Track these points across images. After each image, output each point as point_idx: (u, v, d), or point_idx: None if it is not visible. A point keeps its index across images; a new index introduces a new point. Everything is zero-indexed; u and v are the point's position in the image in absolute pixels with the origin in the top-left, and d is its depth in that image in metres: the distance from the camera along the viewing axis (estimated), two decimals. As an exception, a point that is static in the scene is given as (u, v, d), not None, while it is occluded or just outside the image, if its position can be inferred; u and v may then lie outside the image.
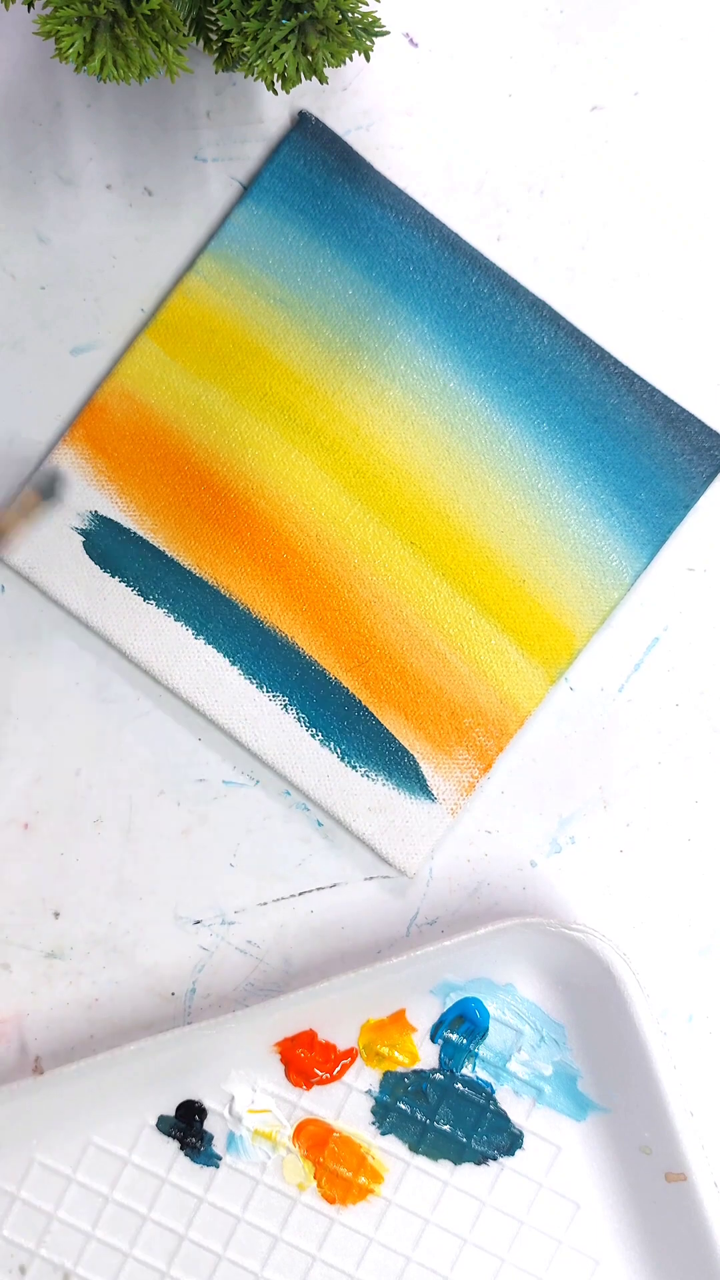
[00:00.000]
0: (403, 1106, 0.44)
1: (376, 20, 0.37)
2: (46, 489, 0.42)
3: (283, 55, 0.37)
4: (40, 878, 0.45)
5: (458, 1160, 0.44)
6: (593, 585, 0.44)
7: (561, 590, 0.44)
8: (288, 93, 0.43)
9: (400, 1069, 0.44)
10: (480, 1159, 0.44)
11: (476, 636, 0.44)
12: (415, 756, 0.44)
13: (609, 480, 0.44)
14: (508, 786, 0.45)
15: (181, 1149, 0.44)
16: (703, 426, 0.44)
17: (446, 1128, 0.44)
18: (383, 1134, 0.44)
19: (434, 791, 0.44)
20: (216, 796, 0.45)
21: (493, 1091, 0.44)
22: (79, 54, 0.37)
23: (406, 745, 0.44)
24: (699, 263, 0.44)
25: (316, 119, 0.44)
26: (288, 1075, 0.44)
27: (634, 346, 0.44)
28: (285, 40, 0.37)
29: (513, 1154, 0.44)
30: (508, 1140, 0.44)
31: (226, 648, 0.44)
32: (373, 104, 0.44)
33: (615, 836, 0.45)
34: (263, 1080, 0.44)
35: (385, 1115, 0.44)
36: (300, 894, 0.45)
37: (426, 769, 0.44)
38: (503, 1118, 0.44)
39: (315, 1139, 0.44)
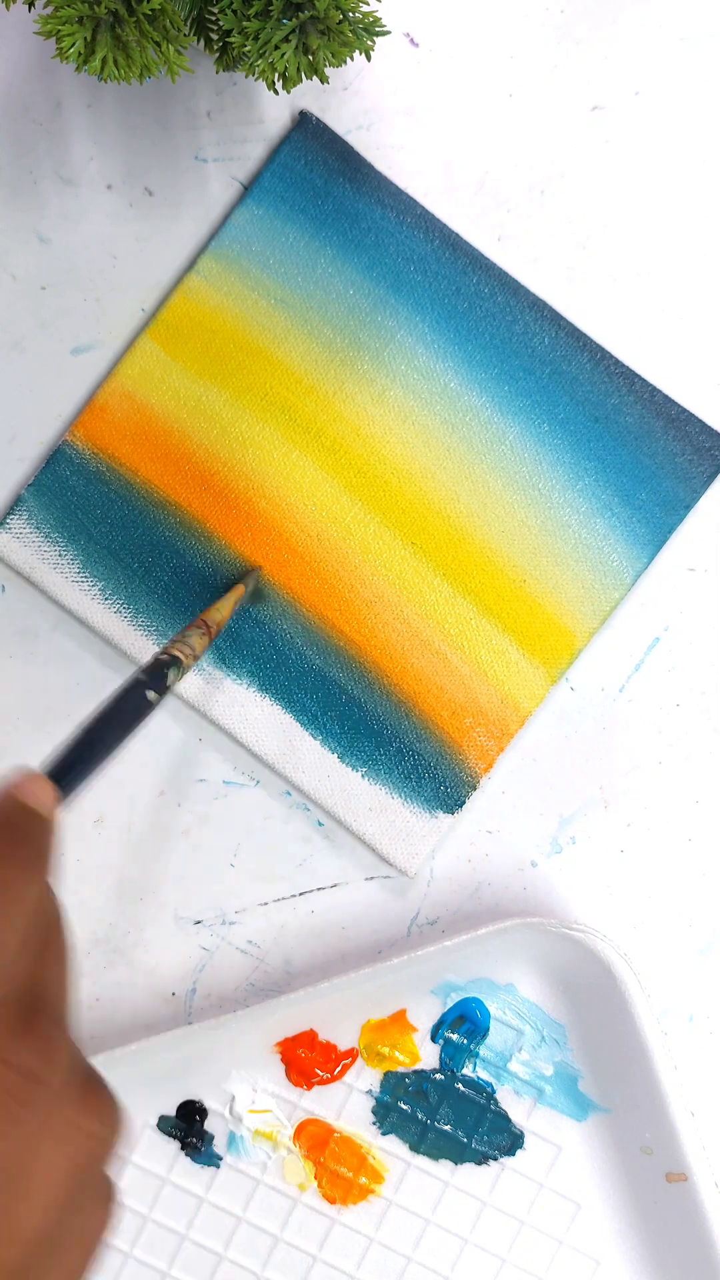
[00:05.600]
0: (403, 1106, 0.44)
1: (377, 20, 0.37)
2: (253, 592, 0.43)
3: (283, 55, 0.37)
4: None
5: (458, 1160, 0.44)
6: (593, 585, 0.44)
7: (562, 590, 0.44)
8: (288, 92, 0.43)
9: (401, 1069, 0.44)
10: (481, 1159, 0.44)
11: (477, 636, 0.44)
12: (416, 757, 0.44)
13: (609, 480, 0.44)
14: (508, 786, 0.45)
15: (182, 1149, 0.44)
16: (703, 426, 0.44)
17: (447, 1128, 0.44)
18: (383, 1134, 0.44)
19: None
20: (216, 796, 0.45)
21: (493, 1091, 0.44)
22: (79, 54, 0.36)
23: (407, 746, 0.44)
24: (699, 263, 0.44)
25: (317, 119, 0.44)
26: (288, 1075, 0.44)
27: (634, 346, 0.44)
28: (286, 40, 0.37)
29: (513, 1154, 0.44)
30: (508, 1140, 0.44)
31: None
32: (373, 104, 0.44)
33: (615, 836, 0.45)
34: (263, 1080, 0.44)
35: (386, 1115, 0.44)
36: (301, 894, 0.45)
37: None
38: (503, 1118, 0.44)
39: (316, 1139, 0.44)
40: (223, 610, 0.40)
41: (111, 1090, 0.25)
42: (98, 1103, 0.24)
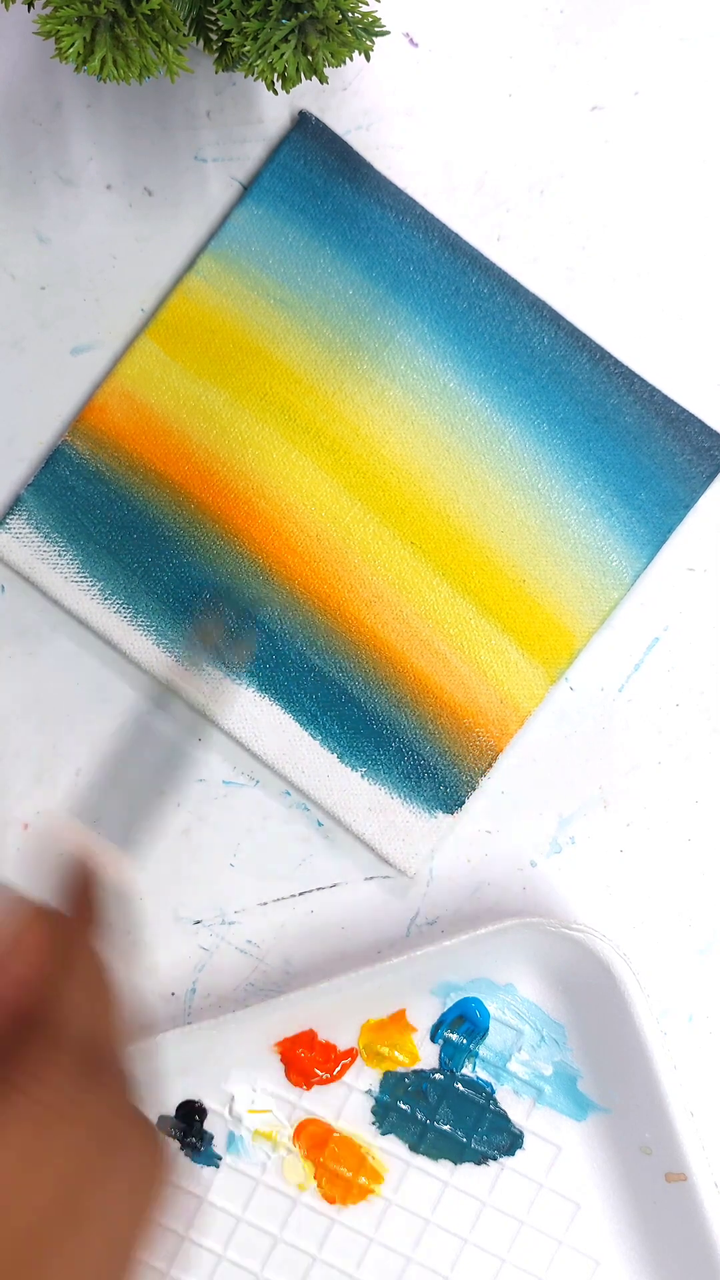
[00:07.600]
0: (403, 1106, 0.44)
1: (376, 20, 0.37)
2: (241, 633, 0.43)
3: (283, 55, 0.37)
4: (41, 878, 0.44)
5: (458, 1160, 0.44)
6: (593, 585, 0.44)
7: (561, 590, 0.44)
8: (288, 93, 0.43)
9: (400, 1069, 0.44)
10: (480, 1159, 0.44)
11: (476, 636, 0.44)
12: (416, 757, 0.44)
13: (609, 480, 0.44)
14: (508, 786, 0.45)
15: (181, 1149, 0.44)
16: (703, 426, 0.44)
17: (446, 1128, 0.44)
18: (383, 1134, 0.44)
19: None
20: (216, 796, 0.45)
21: (493, 1091, 0.44)
22: (79, 54, 0.36)
23: (407, 746, 0.44)
24: (699, 263, 0.44)
25: (316, 119, 0.44)
26: (288, 1075, 0.44)
27: (634, 346, 0.44)
28: (285, 40, 0.37)
29: (513, 1154, 0.44)
30: (508, 1140, 0.44)
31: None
32: (373, 104, 0.44)
33: (615, 836, 0.45)
34: (263, 1080, 0.44)
35: (385, 1115, 0.44)
36: (300, 894, 0.45)
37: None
38: (503, 1118, 0.44)
39: (315, 1139, 0.44)
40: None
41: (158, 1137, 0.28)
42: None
